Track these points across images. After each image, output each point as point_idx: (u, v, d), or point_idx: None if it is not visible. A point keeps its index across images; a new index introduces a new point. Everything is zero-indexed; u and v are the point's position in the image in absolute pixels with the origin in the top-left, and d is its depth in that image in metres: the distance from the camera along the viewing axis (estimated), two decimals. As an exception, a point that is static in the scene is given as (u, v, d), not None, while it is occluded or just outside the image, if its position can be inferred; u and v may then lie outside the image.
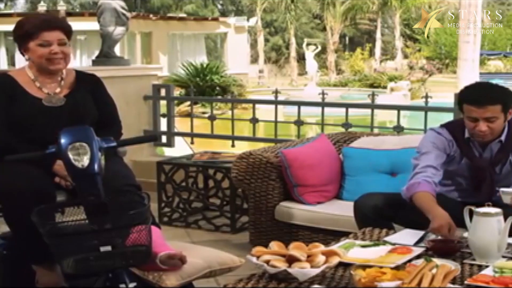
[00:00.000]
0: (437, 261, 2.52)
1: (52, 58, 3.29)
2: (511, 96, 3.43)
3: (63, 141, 2.67)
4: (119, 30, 6.60)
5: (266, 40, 37.45)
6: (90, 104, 3.41)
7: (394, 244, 2.90)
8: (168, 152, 7.31)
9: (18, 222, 3.06)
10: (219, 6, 43.56)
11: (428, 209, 3.17)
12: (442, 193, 3.69)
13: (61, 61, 3.32)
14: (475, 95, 3.39)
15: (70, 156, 2.65)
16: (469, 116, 3.38)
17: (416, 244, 2.91)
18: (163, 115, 6.81)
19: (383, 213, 3.40)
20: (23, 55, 3.39)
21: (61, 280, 3.08)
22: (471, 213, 2.80)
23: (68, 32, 3.36)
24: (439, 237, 2.94)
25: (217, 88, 18.97)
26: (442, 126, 3.63)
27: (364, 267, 2.50)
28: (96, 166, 2.65)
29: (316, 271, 2.47)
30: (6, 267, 3.26)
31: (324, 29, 35.56)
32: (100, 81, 3.56)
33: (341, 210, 4.14)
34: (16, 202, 3.01)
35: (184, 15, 32.19)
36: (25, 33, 3.30)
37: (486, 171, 3.49)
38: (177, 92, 15.08)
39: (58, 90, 3.37)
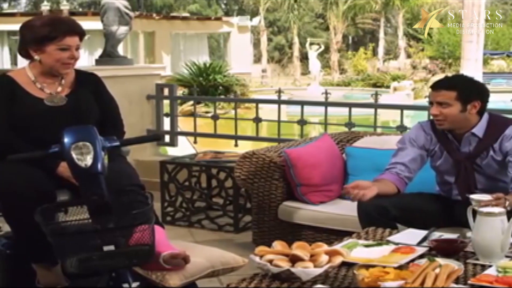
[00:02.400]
0: (440, 260, 2.52)
1: (67, 63, 3.30)
2: (473, 88, 3.52)
3: (66, 140, 2.67)
4: (122, 29, 6.61)
5: (269, 40, 37.41)
6: (92, 103, 3.40)
7: (397, 243, 2.89)
8: (171, 151, 7.31)
9: (19, 222, 3.07)
10: (223, 6, 43.55)
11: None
12: (439, 194, 3.72)
13: (71, 66, 3.34)
14: (436, 81, 3.58)
15: (74, 155, 2.64)
16: (430, 101, 3.55)
17: (419, 243, 2.91)
18: (166, 115, 6.82)
19: (386, 212, 3.41)
20: (28, 56, 3.36)
21: (62, 280, 3.09)
22: (474, 213, 2.81)
23: (82, 37, 3.37)
24: (443, 237, 2.94)
25: (220, 87, 18.97)
26: (429, 119, 3.73)
27: (367, 266, 2.50)
28: (99, 166, 2.64)
29: (319, 270, 2.47)
30: (9, 266, 3.27)
31: (327, 28, 35.53)
32: (100, 80, 3.55)
33: (344, 210, 4.14)
34: (17, 201, 3.01)
35: (187, 14, 32.19)
36: (46, 36, 3.25)
37: (461, 164, 3.53)
38: (180, 91, 15.09)
39: (59, 89, 3.36)
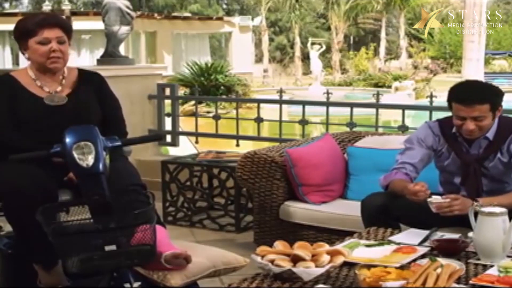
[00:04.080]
0: (442, 260, 2.52)
1: (52, 56, 3.25)
2: (500, 95, 3.46)
3: (68, 140, 2.67)
4: (124, 29, 6.61)
5: (271, 40, 37.44)
6: (93, 103, 3.37)
7: (398, 243, 2.89)
8: (173, 151, 7.31)
9: (21, 221, 3.06)
10: (224, 6, 43.56)
11: (403, 186, 3.37)
12: (442, 194, 3.71)
13: (59, 60, 3.28)
14: (464, 94, 3.41)
15: (75, 155, 2.64)
16: (457, 115, 3.41)
17: (421, 243, 2.91)
18: (168, 115, 6.82)
19: (389, 212, 3.41)
20: (24, 54, 3.37)
21: (63, 280, 3.08)
22: (476, 213, 2.80)
23: (67, 30, 3.31)
24: (444, 237, 2.94)
25: (222, 87, 18.96)
26: (437, 120, 3.69)
27: (368, 266, 2.49)
28: (101, 166, 2.64)
29: (320, 270, 2.46)
30: (11, 266, 3.27)
31: (329, 28, 35.56)
32: (104, 80, 3.53)
33: (346, 210, 4.14)
34: (19, 201, 2.99)
35: (188, 14, 32.21)
36: (25, 31, 3.26)
37: (470, 167, 3.51)
38: (181, 91, 15.06)
39: (59, 89, 3.33)
